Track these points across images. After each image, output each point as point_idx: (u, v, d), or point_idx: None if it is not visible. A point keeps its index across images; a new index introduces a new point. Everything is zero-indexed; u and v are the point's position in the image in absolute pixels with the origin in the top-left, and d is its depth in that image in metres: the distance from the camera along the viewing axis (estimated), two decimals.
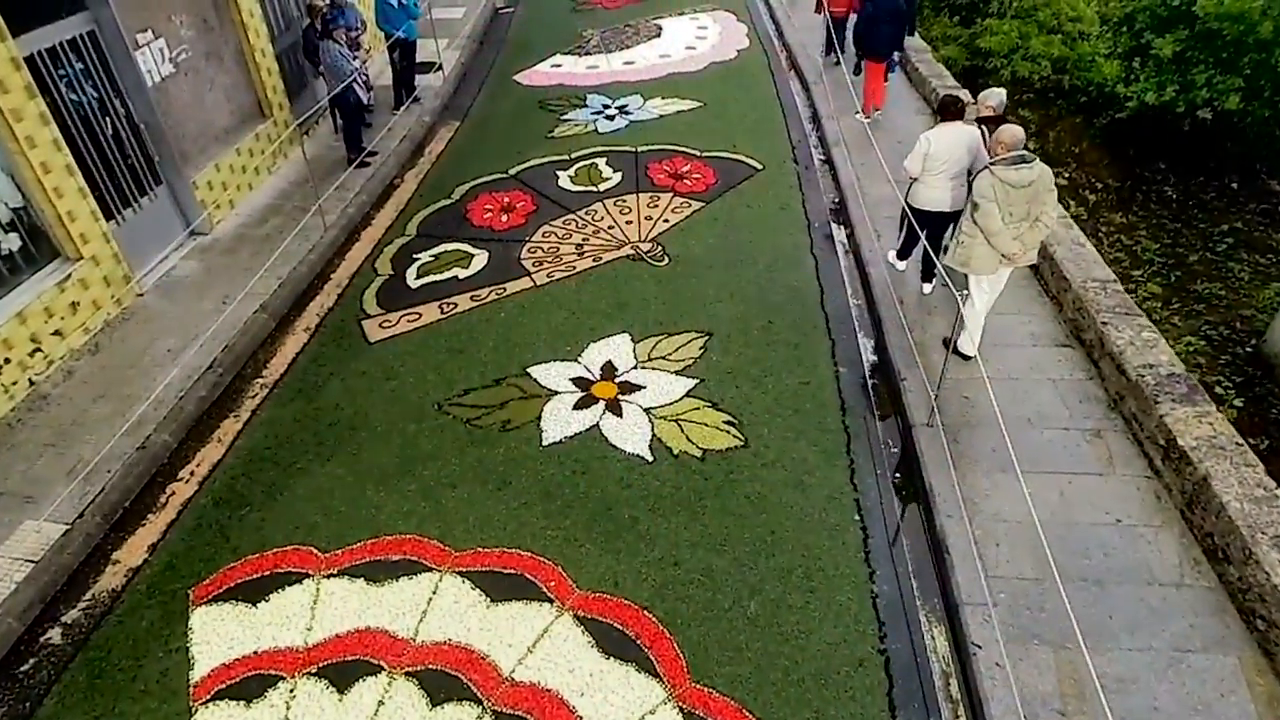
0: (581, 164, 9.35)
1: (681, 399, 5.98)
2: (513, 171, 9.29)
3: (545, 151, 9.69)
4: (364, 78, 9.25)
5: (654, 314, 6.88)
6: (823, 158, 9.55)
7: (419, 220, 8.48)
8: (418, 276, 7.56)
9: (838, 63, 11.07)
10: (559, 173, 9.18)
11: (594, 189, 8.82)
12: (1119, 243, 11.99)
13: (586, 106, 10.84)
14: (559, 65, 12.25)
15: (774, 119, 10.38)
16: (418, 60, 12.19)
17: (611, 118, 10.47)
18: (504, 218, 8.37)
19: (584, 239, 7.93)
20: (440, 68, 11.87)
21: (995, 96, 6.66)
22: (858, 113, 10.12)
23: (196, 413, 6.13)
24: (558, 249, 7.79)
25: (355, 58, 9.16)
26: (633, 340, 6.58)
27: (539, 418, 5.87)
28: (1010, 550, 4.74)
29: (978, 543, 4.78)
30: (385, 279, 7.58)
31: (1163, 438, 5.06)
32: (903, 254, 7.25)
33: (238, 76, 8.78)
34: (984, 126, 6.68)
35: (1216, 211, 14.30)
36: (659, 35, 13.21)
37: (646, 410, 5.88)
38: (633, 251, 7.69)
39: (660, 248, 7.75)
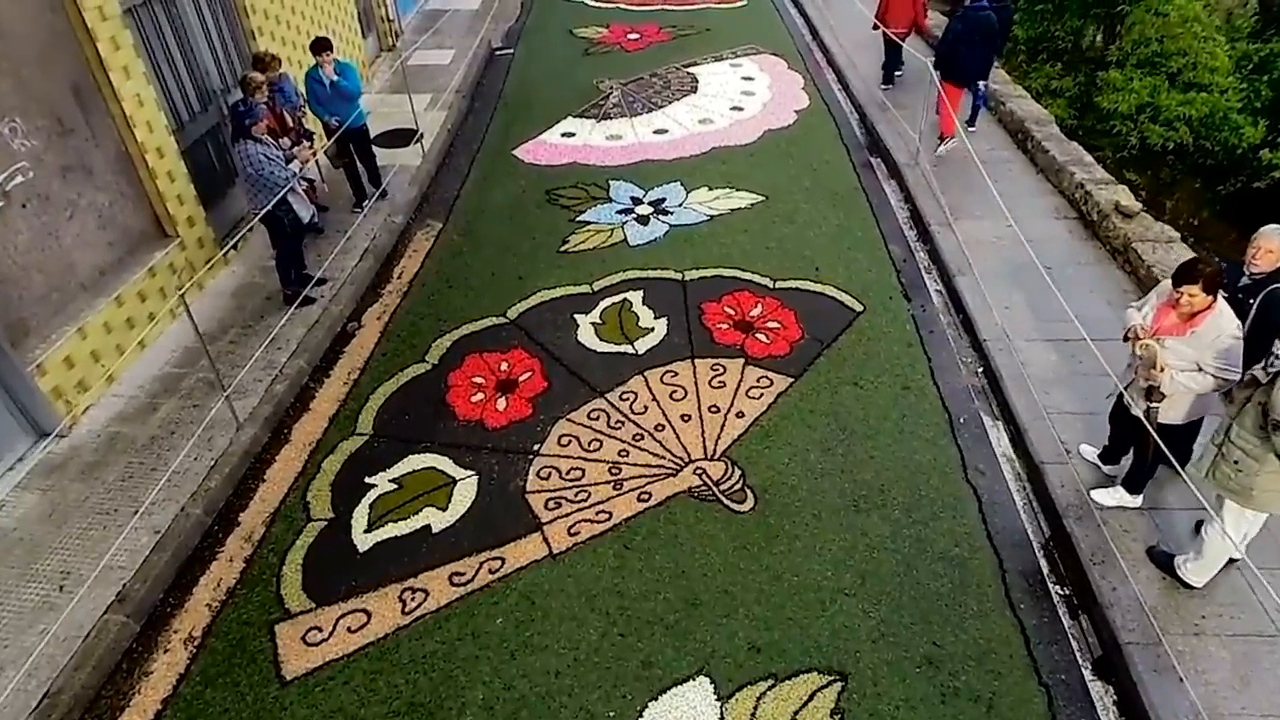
0: (609, 302, 6.72)
1: None
2: (513, 314, 6.66)
3: (557, 277, 7.07)
4: (305, 184, 6.61)
5: (745, 626, 4.26)
6: (940, 288, 6.94)
7: (378, 405, 5.84)
8: (370, 526, 4.93)
9: (887, 86, 10.26)
10: (578, 318, 6.56)
11: (629, 349, 6.19)
12: None
13: (610, 200, 8.21)
14: (571, 134, 9.61)
15: (862, 223, 7.76)
16: (391, 128, 9.65)
17: (645, 220, 7.84)
18: (501, 404, 5.75)
19: (622, 452, 5.31)
20: (420, 137, 9.24)
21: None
22: (940, 147, 8.64)
23: None
24: (582, 474, 5.17)
25: (293, 156, 6.53)
26: (717, 695, 3.96)
27: None
28: None
29: None
30: (320, 529, 4.95)
31: None
32: (1134, 486, 4.73)
33: (120, 190, 6.15)
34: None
35: None
36: (695, 90, 10.57)
37: None
38: (699, 482, 5.07)
39: (738, 473, 5.13)
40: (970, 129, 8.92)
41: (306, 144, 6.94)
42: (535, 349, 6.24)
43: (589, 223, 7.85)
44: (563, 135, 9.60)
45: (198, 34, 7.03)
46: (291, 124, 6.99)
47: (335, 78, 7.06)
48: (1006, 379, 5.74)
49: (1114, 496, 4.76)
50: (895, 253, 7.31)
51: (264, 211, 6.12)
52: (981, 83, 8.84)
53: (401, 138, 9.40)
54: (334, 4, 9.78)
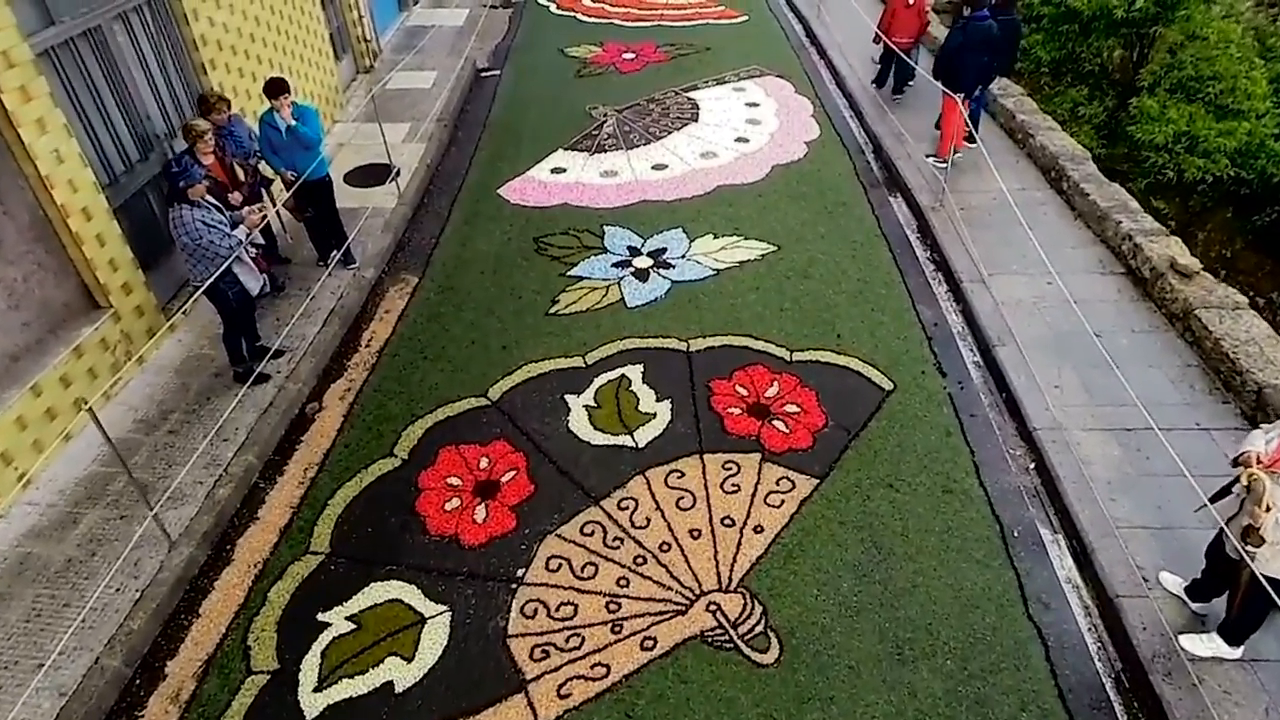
0: (604, 379, 5.92)
1: None
2: (495, 394, 5.86)
3: (546, 347, 6.27)
4: (255, 251, 5.78)
5: None
6: (978, 360, 6.17)
7: (337, 514, 5.02)
8: (321, 682, 4.12)
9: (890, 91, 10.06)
10: (569, 399, 5.76)
11: (628, 441, 5.39)
12: None
13: (605, 251, 7.40)
14: (562, 170, 8.80)
15: (885, 278, 6.98)
16: (365, 163, 8.87)
17: (644, 275, 7.04)
18: (480, 514, 4.94)
19: (621, 580, 4.51)
20: (396, 174, 8.42)
21: None
22: (929, 155, 8.55)
23: None
24: (575, 611, 4.37)
25: (239, 220, 5.68)
26: None
27: None
28: None
29: None
30: (262, 685, 4.14)
31: None
32: (1234, 637, 3.98)
33: (37, 261, 5.32)
34: None
35: None
36: (696, 118, 9.77)
37: None
38: (713, 623, 4.27)
39: (759, 610, 4.34)
40: (970, 145, 8.25)
41: (262, 202, 6.10)
42: (520, 440, 5.44)
43: (582, 278, 7.04)
44: (553, 171, 8.78)
45: (135, 73, 6.19)
46: (244, 176, 6.15)
47: (293, 123, 6.22)
48: (1065, 481, 4.96)
49: (1208, 646, 3.99)
50: (925, 315, 6.53)
51: (206, 285, 5.29)
52: (980, 87, 8.26)
53: (376, 175, 8.58)
54: (301, 27, 8.94)
